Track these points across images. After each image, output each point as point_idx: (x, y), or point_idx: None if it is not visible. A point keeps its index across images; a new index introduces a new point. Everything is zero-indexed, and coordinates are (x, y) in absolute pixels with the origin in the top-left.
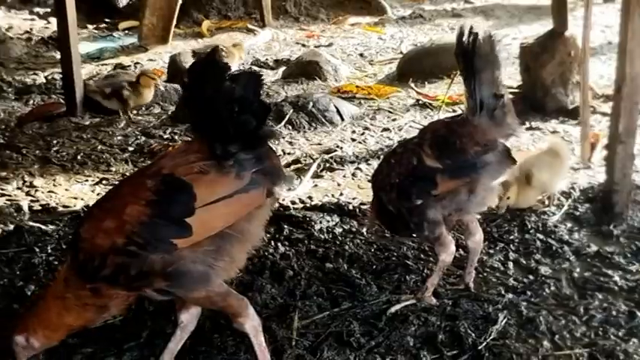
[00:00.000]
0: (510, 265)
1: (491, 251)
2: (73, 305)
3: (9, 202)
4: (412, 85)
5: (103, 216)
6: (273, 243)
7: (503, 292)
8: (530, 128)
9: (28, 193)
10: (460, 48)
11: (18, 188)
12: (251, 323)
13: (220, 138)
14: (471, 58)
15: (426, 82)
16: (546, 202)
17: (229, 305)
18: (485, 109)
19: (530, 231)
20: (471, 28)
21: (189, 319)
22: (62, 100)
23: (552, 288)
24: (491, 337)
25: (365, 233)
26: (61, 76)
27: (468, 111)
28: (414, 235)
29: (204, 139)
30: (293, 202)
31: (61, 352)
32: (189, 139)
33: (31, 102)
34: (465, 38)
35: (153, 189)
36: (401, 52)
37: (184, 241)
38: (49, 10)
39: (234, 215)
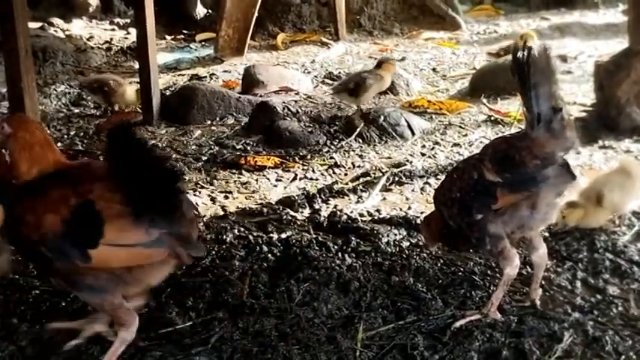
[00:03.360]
0: (578, 283)
1: (559, 269)
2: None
3: None
4: (484, 100)
5: (28, 209)
6: (340, 254)
7: (569, 310)
8: (603, 147)
9: None
10: (515, 63)
11: None
12: (125, 335)
13: (134, 198)
14: (526, 72)
15: (499, 98)
16: (617, 222)
17: (118, 317)
18: (542, 122)
19: (600, 250)
20: (526, 41)
21: None
22: (139, 109)
23: (620, 308)
24: (556, 356)
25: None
26: (138, 85)
27: (526, 125)
28: (478, 251)
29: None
30: (361, 215)
31: (131, 355)
32: None
33: (110, 110)
34: (519, 53)
35: (72, 209)
36: (474, 68)
37: (83, 266)
38: (128, 20)
39: (131, 262)
